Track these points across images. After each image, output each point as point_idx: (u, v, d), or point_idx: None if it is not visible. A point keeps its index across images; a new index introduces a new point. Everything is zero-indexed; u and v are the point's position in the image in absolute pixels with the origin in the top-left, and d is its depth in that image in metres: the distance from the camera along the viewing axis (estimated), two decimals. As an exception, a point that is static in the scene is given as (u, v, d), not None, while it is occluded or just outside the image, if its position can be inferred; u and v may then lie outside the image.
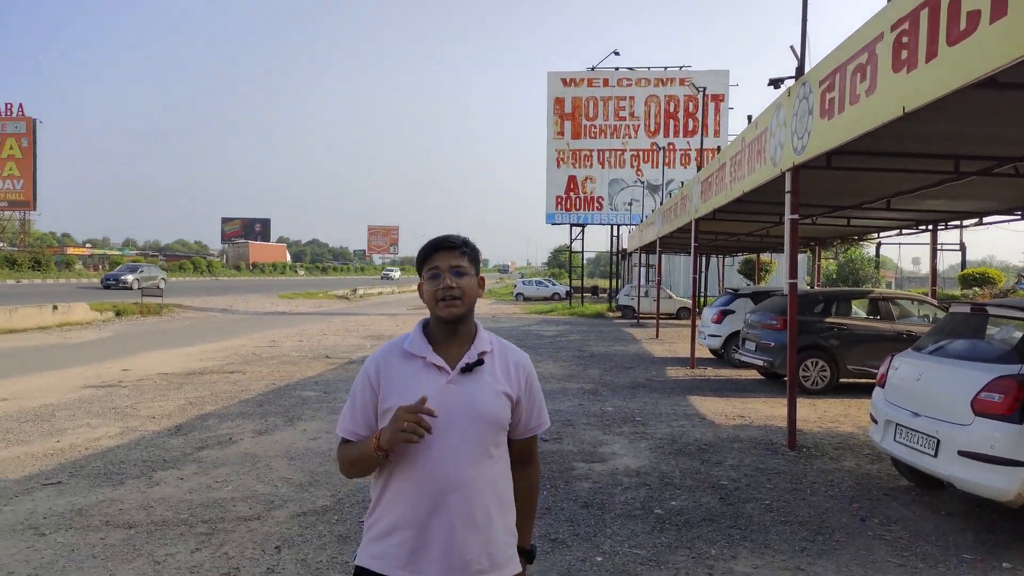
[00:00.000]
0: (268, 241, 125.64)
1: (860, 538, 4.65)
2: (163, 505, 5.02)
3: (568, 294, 39.95)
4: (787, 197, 6.94)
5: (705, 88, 24.07)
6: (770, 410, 9.16)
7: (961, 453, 4.51)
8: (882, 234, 16.57)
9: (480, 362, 1.87)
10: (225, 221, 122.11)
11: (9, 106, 57.99)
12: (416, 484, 1.80)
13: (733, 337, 13.54)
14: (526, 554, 2.00)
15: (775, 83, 8.82)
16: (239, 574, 3.92)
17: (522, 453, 2.02)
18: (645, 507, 5.19)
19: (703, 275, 30.88)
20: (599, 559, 4.21)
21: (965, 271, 24.41)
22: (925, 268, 15.76)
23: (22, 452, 6.38)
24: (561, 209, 35.97)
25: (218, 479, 5.66)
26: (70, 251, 74.37)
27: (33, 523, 4.63)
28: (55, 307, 19.49)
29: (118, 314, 22.12)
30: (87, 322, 20.14)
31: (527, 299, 42.59)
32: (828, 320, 10.59)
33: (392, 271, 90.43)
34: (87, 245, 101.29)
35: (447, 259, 1.88)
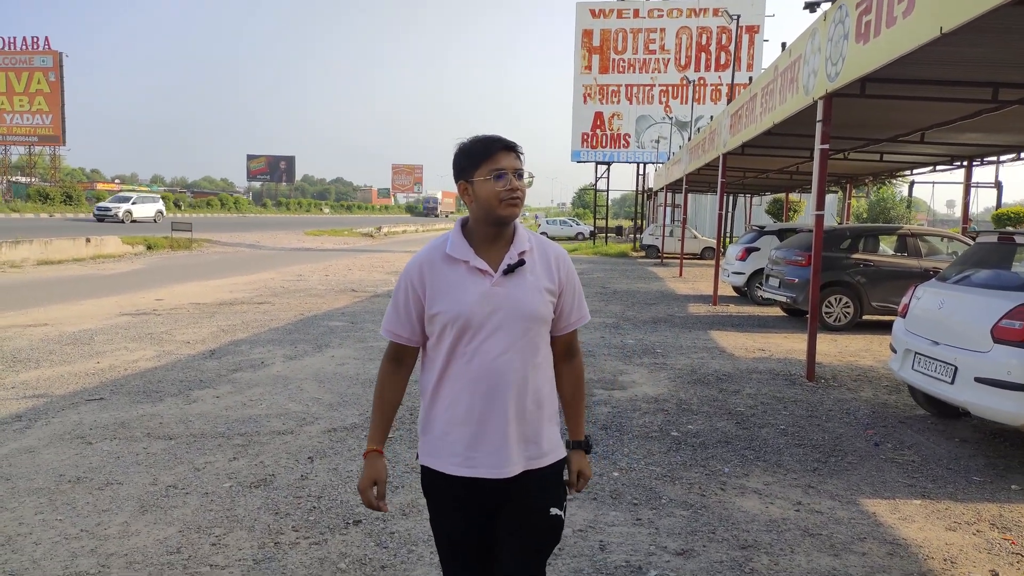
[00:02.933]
0: (292, 180, 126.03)
1: (872, 461, 4.76)
2: (201, 420, 5.28)
3: (592, 234, 39.79)
4: (818, 126, 6.82)
5: (739, 17, 23.30)
6: (790, 344, 9.22)
7: (978, 380, 4.56)
8: (915, 171, 16.18)
9: (521, 263, 1.90)
10: (250, 159, 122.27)
11: (35, 40, 57.92)
12: (470, 383, 1.86)
13: (757, 275, 13.49)
14: (583, 445, 2.06)
15: (811, 6, 8.54)
16: (275, 480, 4.15)
17: (567, 347, 2.04)
18: (662, 430, 5.34)
19: (730, 215, 30.49)
20: (615, 474, 4.38)
21: (1000, 210, 23.79)
22: (960, 210, 15.39)
23: (65, 371, 6.68)
24: (587, 147, 35.51)
25: (252, 398, 5.91)
26: (99, 187, 75.34)
27: (80, 433, 4.91)
28: (88, 240, 19.93)
29: (149, 248, 22.56)
30: (119, 255, 20.60)
31: (551, 238, 42.45)
32: (854, 256, 10.50)
33: (124, 202, 39.76)
34: (116, 181, 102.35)
35: (511, 161, 1.87)
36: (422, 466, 1.97)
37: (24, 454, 4.47)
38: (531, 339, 1.88)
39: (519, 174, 1.87)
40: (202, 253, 23.15)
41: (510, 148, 1.88)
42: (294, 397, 5.98)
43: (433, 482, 1.95)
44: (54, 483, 4.03)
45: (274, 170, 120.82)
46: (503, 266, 1.87)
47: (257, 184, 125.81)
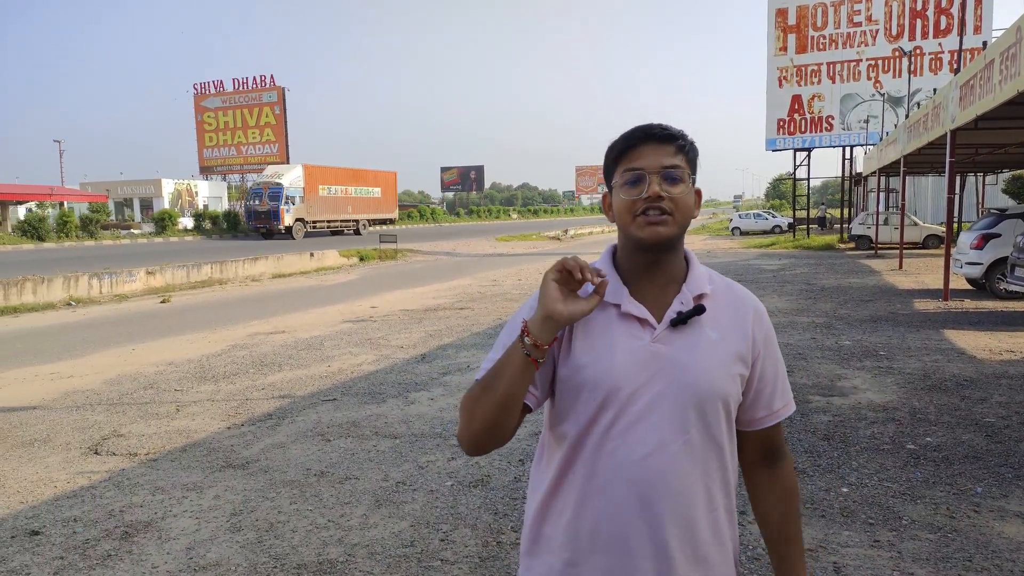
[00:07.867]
0: (482, 189, 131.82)
1: None
2: (419, 420, 5.65)
3: (791, 226, 37.30)
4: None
5: (962, -24, 20.61)
6: (1048, 344, 7.97)
7: None
8: None
9: (699, 310, 1.26)
10: (444, 171, 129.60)
11: (263, 78, 65.88)
12: (607, 488, 1.24)
13: (998, 264, 11.83)
14: None
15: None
16: (490, 480, 4.33)
17: (767, 448, 1.38)
18: (895, 442, 4.84)
19: (958, 198, 27.05)
20: (845, 490, 4.04)
21: None
22: None
23: (303, 374, 7.48)
24: (783, 133, 33.32)
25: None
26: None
27: (320, 431, 5.46)
28: (312, 255, 22.24)
29: (361, 259, 24.69)
30: (337, 267, 22.75)
31: (744, 233, 40.58)
32: None
33: None
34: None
35: (656, 156, 1.25)
36: None
37: (276, 449, 5.06)
38: (708, 430, 1.25)
39: (670, 175, 1.24)
40: (407, 262, 24.90)
41: (663, 138, 1.26)
42: (501, 400, 6.20)
43: None
44: (302, 476, 4.51)
45: (465, 180, 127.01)
46: (670, 314, 1.26)
47: (450, 194, 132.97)
